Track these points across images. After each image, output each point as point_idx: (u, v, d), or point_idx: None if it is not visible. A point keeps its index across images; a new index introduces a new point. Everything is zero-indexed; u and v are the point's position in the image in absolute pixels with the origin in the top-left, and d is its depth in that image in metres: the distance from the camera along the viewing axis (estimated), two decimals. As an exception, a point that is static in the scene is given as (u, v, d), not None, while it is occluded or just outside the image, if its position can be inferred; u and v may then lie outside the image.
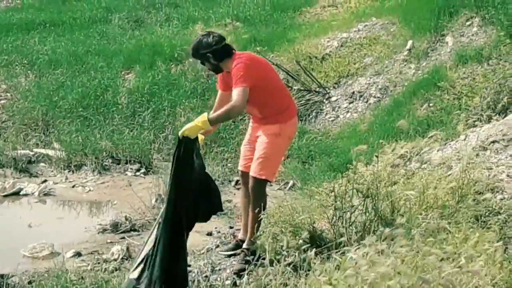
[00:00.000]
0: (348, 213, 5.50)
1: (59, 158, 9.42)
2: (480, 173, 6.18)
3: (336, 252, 4.63)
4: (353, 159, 6.56)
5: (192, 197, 5.63)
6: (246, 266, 5.41)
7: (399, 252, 4.28)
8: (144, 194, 8.04)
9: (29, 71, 12.84)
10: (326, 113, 11.09)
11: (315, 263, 4.37)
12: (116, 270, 6.27)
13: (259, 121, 6.06)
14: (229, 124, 10.14)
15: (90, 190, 8.75)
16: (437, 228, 4.89)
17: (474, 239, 4.90)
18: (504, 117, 7.92)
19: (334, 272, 4.16)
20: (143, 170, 9.26)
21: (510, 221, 5.48)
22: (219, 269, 6.11)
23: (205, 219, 6.04)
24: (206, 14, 15.04)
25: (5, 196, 8.49)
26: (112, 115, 10.76)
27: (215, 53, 5.89)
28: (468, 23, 10.83)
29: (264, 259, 5.09)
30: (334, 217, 5.58)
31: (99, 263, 6.51)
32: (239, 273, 5.73)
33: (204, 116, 5.64)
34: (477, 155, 6.76)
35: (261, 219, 5.81)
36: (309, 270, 4.49)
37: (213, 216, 6.19)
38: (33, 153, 9.61)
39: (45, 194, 8.57)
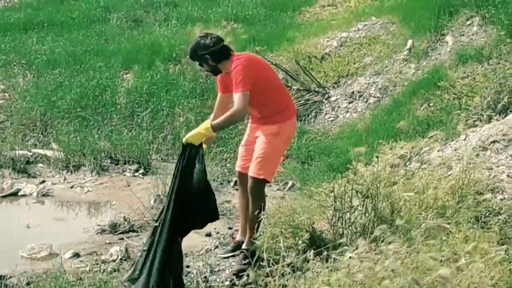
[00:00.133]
0: (348, 213, 5.48)
1: (57, 158, 9.39)
2: (480, 173, 6.16)
3: (335, 253, 4.61)
4: (352, 160, 6.54)
5: (192, 204, 5.65)
6: (246, 267, 5.39)
7: (399, 252, 4.27)
8: (142, 194, 8.02)
9: (27, 71, 12.82)
10: (326, 113, 11.07)
11: (315, 264, 4.36)
12: (114, 271, 6.24)
13: (258, 121, 6.04)
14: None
15: (88, 191, 8.72)
16: (437, 228, 4.87)
17: (474, 240, 4.88)
18: (505, 117, 7.90)
19: (330, 273, 4.15)
20: (141, 170, 9.23)
21: (511, 221, 5.46)
22: (218, 270, 6.09)
23: (201, 226, 6.06)
24: (205, 14, 15.01)
25: (3, 196, 8.46)
26: (111, 115, 10.73)
27: (213, 55, 5.87)
28: (468, 22, 10.81)
29: (263, 260, 5.06)
30: (334, 218, 5.56)
31: (97, 264, 6.48)
32: (238, 274, 5.71)
33: (207, 123, 5.66)
34: (477, 155, 6.73)
35: (261, 219, 5.79)
36: (308, 271, 4.46)
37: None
38: (31, 153, 9.58)
39: (43, 195, 8.54)
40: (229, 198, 8.27)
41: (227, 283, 5.69)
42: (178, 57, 12.73)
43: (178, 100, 11.07)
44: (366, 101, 10.86)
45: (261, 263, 5.03)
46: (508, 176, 6.28)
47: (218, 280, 5.85)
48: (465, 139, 7.40)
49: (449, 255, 4.41)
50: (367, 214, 5.44)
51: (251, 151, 5.99)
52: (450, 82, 9.60)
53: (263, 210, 5.83)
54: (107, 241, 7.18)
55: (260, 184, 5.90)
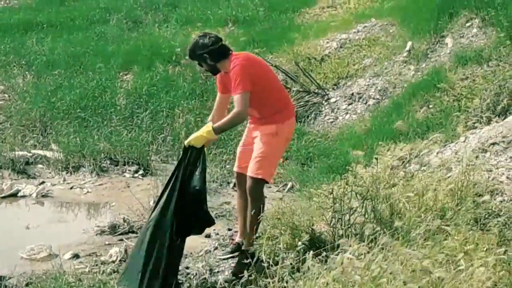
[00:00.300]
0: (347, 215, 5.48)
1: (57, 159, 9.38)
2: (479, 175, 6.17)
3: (334, 254, 4.61)
4: (352, 161, 6.54)
5: (192, 207, 5.69)
6: (245, 268, 5.39)
7: (397, 253, 4.28)
8: (142, 195, 8.01)
9: (26, 72, 12.81)
10: (325, 115, 11.07)
11: (313, 265, 4.36)
12: (114, 272, 6.24)
13: (256, 122, 6.05)
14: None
15: (88, 192, 8.71)
16: (437, 230, 4.88)
17: (474, 242, 4.89)
18: (504, 119, 7.90)
19: (328, 273, 4.16)
20: (141, 171, 9.22)
21: (510, 223, 5.47)
22: (218, 271, 6.10)
23: (200, 230, 6.09)
24: (204, 15, 15.01)
25: (3, 197, 8.44)
26: (110, 116, 10.72)
27: (211, 54, 5.90)
28: (468, 24, 10.81)
29: (262, 261, 5.06)
30: (333, 219, 5.56)
31: (97, 265, 6.48)
32: (237, 275, 5.71)
33: (208, 126, 5.70)
34: (477, 157, 6.74)
35: (260, 221, 5.80)
36: (307, 272, 4.47)
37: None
38: (31, 154, 9.57)
39: (43, 196, 8.53)
40: (228, 200, 8.27)
41: (227, 284, 5.69)
42: (177, 58, 12.72)
43: (178, 101, 11.06)
44: (366, 103, 10.86)
45: (261, 264, 5.03)
46: (507, 178, 6.29)
47: (217, 281, 5.85)
48: (464, 141, 7.40)
49: (448, 257, 4.42)
50: (366, 216, 5.45)
51: (249, 152, 6.00)
52: (449, 84, 9.60)
53: (263, 211, 5.84)
54: (107, 242, 7.18)
55: (259, 184, 5.90)
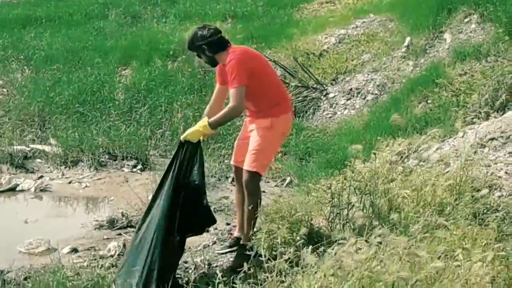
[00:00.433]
0: (346, 210, 5.49)
1: (55, 154, 9.38)
2: (478, 170, 6.18)
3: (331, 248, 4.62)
4: (350, 156, 6.54)
5: (190, 203, 5.69)
6: (243, 262, 5.39)
7: (395, 247, 4.28)
8: (140, 190, 8.01)
9: (25, 67, 12.81)
10: (324, 110, 11.07)
11: (312, 260, 4.36)
12: (112, 266, 6.23)
13: (253, 115, 6.06)
14: (226, 120, 10.10)
15: (86, 186, 8.71)
16: (435, 225, 4.89)
17: (472, 237, 4.90)
18: (502, 114, 7.91)
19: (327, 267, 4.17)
20: (139, 166, 9.22)
21: (508, 218, 5.48)
22: (216, 266, 6.10)
23: (201, 230, 6.10)
24: (203, 10, 15.01)
25: (1, 192, 8.44)
26: (109, 111, 10.72)
27: (209, 45, 5.92)
28: (466, 20, 10.81)
29: (261, 256, 5.06)
30: (332, 214, 5.57)
31: (95, 259, 6.48)
32: (236, 270, 5.71)
33: (204, 121, 5.70)
34: (475, 152, 6.75)
35: (257, 215, 5.80)
36: (306, 266, 4.47)
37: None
38: (29, 149, 9.57)
39: (41, 190, 8.52)
40: (227, 194, 8.27)
41: (225, 279, 5.69)
42: (176, 53, 12.73)
43: (176, 96, 11.05)
44: (364, 98, 10.87)
45: (259, 259, 5.04)
46: (506, 173, 6.30)
47: (216, 276, 5.85)
48: (463, 136, 7.41)
49: (446, 252, 4.43)
50: (364, 211, 5.46)
51: (246, 146, 6.00)
52: (448, 80, 9.61)
53: (259, 206, 5.84)
54: (105, 237, 7.17)
55: (254, 177, 5.90)
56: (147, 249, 5.60)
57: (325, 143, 9.75)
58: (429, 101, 9.56)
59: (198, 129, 5.70)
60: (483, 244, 4.82)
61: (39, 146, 9.68)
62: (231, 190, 8.24)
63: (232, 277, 5.37)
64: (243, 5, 14.97)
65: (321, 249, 4.85)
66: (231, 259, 6.11)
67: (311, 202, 6.07)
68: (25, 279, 6.08)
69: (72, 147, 9.43)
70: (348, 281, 3.99)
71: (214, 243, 6.61)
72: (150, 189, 7.87)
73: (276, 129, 5.95)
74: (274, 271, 4.50)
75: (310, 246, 4.63)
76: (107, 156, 9.41)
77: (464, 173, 5.83)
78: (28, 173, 9.06)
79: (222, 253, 6.29)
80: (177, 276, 5.85)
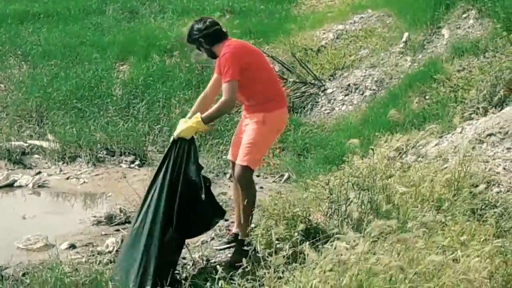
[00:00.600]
0: (344, 205, 5.49)
1: (53, 149, 9.38)
2: (476, 166, 6.18)
3: (328, 243, 4.62)
4: (348, 152, 6.54)
5: (187, 200, 5.68)
6: (242, 258, 5.39)
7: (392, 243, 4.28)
8: (138, 186, 8.00)
9: (22, 62, 12.79)
10: (322, 106, 11.06)
11: (309, 255, 4.36)
12: (110, 262, 6.23)
13: (247, 109, 6.11)
14: (224, 116, 10.08)
15: (84, 182, 8.71)
16: (433, 221, 4.88)
17: (470, 232, 4.90)
18: (501, 110, 7.91)
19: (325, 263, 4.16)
20: (137, 162, 9.22)
21: (506, 214, 5.48)
22: (214, 262, 6.10)
23: (200, 230, 6.10)
24: (200, 6, 14.99)
25: (-1, 187, 8.46)
26: (107, 106, 10.71)
27: (206, 38, 5.97)
28: (464, 15, 10.81)
29: (258, 252, 5.07)
30: (330, 210, 5.57)
31: (93, 255, 6.48)
32: (234, 265, 5.71)
33: (197, 117, 5.71)
34: (474, 148, 6.75)
35: (253, 210, 5.81)
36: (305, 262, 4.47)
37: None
38: (27, 144, 9.56)
39: (39, 186, 8.52)
40: (225, 190, 8.27)
41: (223, 274, 5.69)
42: (174, 48, 12.72)
43: (174, 92, 11.05)
44: (362, 94, 10.86)
45: (257, 255, 5.04)
46: (504, 169, 6.30)
47: (214, 271, 5.85)
48: (461, 132, 7.41)
49: (444, 248, 4.43)
50: (363, 207, 5.45)
51: (241, 140, 6.01)
52: (446, 75, 9.60)
53: (254, 200, 5.86)
54: (103, 233, 7.18)
55: (246, 171, 5.90)
56: (142, 247, 5.60)
57: (323, 139, 9.74)
58: (427, 97, 9.55)
59: (191, 125, 5.71)
60: (482, 240, 4.82)
61: (37, 142, 9.68)
62: (229, 186, 8.24)
63: (230, 273, 5.37)
64: (241, 0, 14.95)
65: (319, 243, 4.85)
66: (229, 255, 6.11)
67: (309, 198, 6.07)
68: (23, 275, 6.09)
69: (70, 143, 9.43)
70: (345, 277, 3.99)
71: (212, 239, 6.61)
72: (148, 185, 7.87)
73: (270, 124, 5.95)
74: (271, 266, 4.50)
75: (307, 242, 4.63)
76: (105, 152, 9.41)
77: (462, 169, 5.83)
78: (26, 169, 9.06)
79: (220, 249, 6.30)
80: (175, 272, 5.84)
